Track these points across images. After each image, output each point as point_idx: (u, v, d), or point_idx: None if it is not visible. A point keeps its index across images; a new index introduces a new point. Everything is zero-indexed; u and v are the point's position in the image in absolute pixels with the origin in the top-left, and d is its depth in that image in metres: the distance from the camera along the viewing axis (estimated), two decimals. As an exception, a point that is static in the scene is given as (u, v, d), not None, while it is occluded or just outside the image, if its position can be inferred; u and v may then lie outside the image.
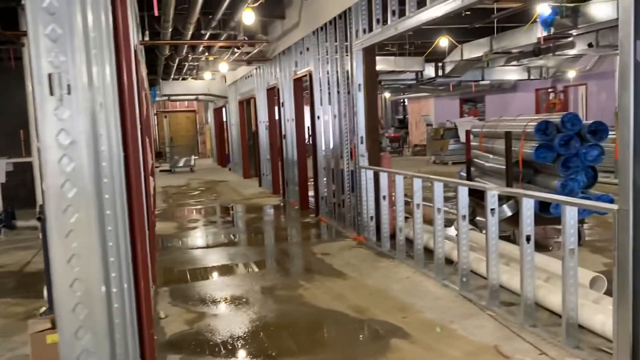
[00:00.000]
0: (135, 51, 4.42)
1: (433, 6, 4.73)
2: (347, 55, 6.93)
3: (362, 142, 6.69)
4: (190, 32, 8.95)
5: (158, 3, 7.20)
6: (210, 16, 8.52)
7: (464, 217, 4.51)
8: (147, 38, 9.42)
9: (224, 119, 19.54)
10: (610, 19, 8.41)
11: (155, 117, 27.11)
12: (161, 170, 19.09)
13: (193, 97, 20.86)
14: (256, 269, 5.78)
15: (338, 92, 7.28)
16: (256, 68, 12.41)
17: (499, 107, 20.76)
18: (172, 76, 16.90)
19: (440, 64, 13.86)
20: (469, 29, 11.40)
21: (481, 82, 17.75)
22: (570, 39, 12.59)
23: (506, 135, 5.67)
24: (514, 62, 14.86)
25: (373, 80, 6.75)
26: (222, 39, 9.86)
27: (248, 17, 6.78)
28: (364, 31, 6.31)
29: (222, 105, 19.40)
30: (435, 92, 20.68)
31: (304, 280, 5.20)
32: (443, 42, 10.97)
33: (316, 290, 4.85)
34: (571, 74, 15.84)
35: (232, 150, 17.83)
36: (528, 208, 3.73)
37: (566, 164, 5.35)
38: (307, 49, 8.42)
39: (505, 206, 5.94)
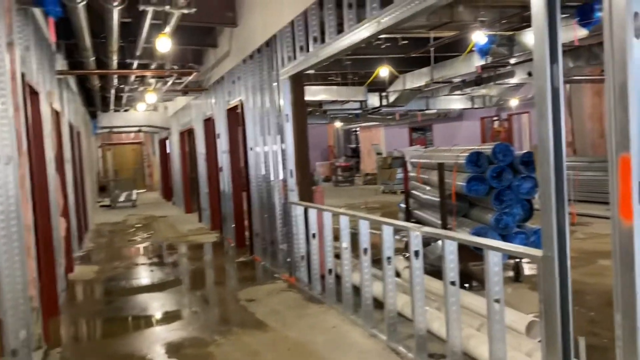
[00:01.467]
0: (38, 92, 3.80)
1: (352, 32, 4.40)
2: (275, 85, 6.55)
3: (291, 176, 6.25)
4: (114, 61, 8.40)
5: (71, 30, 6.67)
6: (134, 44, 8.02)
7: (388, 259, 4.09)
8: (66, 67, 8.79)
9: (168, 151, 18.84)
10: (544, 47, 8.36)
11: (100, 149, 26.09)
12: (101, 206, 18.11)
13: (135, 129, 20.09)
14: (167, 323, 5.17)
15: (269, 123, 6.86)
16: (194, 98, 11.92)
17: (446, 135, 20.90)
18: (111, 107, 16.19)
19: (384, 94, 13.74)
20: (411, 59, 11.31)
21: (427, 111, 17.81)
22: (508, 67, 12.70)
23: (439, 167, 5.36)
24: (457, 92, 14.93)
25: (302, 111, 6.37)
26: (152, 68, 9.35)
27: (163, 44, 6.31)
28: (289, 59, 5.95)
29: (165, 137, 18.72)
30: (385, 121, 20.67)
31: (220, 334, 4.63)
32: (384, 71, 10.79)
33: (230, 347, 4.29)
34: (513, 102, 16.05)
35: (174, 184, 17.12)
36: (451, 251, 3.34)
37: (500, 197, 5.05)
38: (239, 78, 8.01)
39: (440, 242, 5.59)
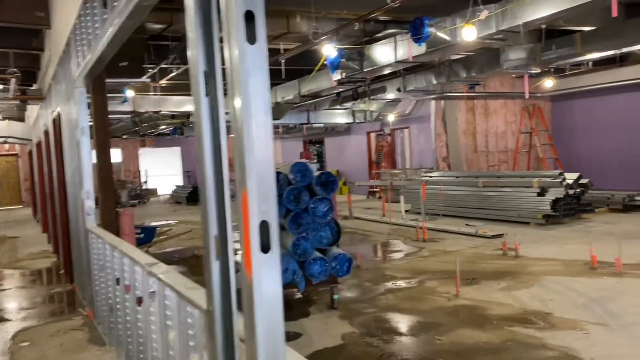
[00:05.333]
0: None
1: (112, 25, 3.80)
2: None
3: (88, 197, 5.51)
4: None
5: None
6: None
7: (139, 299, 3.50)
8: None
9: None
10: (390, 62, 8.26)
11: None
12: (-48, 226, 16.16)
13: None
14: None
15: (73, 137, 6.09)
16: (40, 108, 10.80)
17: (335, 149, 20.85)
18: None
19: (257, 106, 13.25)
20: (284, 71, 10.93)
21: (314, 125, 17.60)
22: (380, 83, 12.68)
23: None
24: (337, 106, 14.79)
25: (103, 122, 5.67)
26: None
27: None
28: (81, 59, 5.23)
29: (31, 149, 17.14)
30: (275, 134, 20.22)
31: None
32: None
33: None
34: (391, 117, 16.19)
35: (37, 200, 15.63)
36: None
37: (297, 221, 4.63)
38: (58, 85, 7.17)
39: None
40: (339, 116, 16.54)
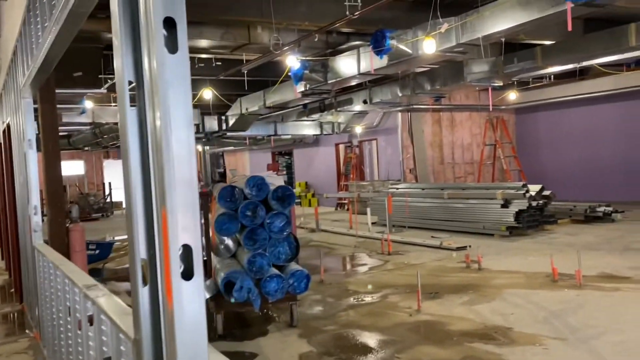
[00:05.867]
0: None
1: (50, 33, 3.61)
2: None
3: (35, 213, 5.25)
4: None
5: None
6: None
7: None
8: None
9: None
10: (354, 74, 8.23)
11: None
12: None
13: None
14: None
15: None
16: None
17: (304, 160, 20.75)
18: None
19: (223, 117, 13.08)
20: (249, 82, 10.81)
21: (282, 137, 17.47)
22: (346, 95, 12.66)
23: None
24: (304, 117, 14.71)
25: (53, 134, 5.43)
26: None
27: None
28: (26, 67, 5.00)
29: None
30: (239, 145, 20.04)
31: None
32: (207, 93, 10.12)
33: None
34: (358, 129, 16.20)
35: None
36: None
37: (253, 237, 4.48)
38: (7, 95, 6.87)
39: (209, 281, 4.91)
40: (307, 128, 16.46)
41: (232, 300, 4.36)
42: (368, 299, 6.18)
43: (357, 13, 5.61)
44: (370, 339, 4.82)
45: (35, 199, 5.30)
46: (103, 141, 13.94)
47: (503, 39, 7.30)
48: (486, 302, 5.67)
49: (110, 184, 22.55)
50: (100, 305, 2.71)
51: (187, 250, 1.60)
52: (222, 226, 4.44)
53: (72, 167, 23.73)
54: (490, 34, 6.10)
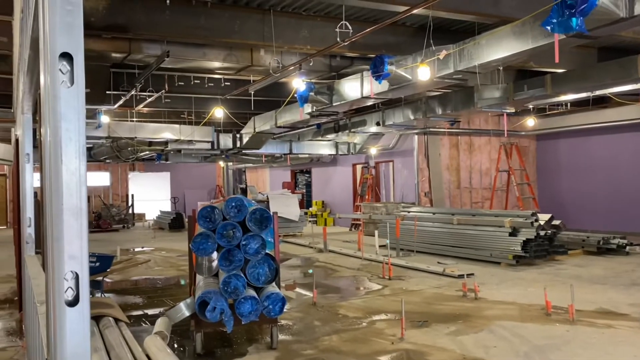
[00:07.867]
0: None
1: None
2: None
3: (29, 225, 5.43)
4: None
5: None
6: None
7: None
8: None
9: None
10: (357, 97, 8.28)
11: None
12: None
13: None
14: None
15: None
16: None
17: (322, 179, 20.81)
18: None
19: (237, 135, 13.28)
20: (261, 102, 11.03)
21: (300, 155, 17.62)
22: (360, 117, 12.72)
23: (190, 218, 4.77)
24: (319, 137, 14.81)
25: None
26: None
27: None
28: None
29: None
30: (258, 162, 20.26)
31: None
32: (219, 112, 10.31)
33: None
34: (373, 150, 16.20)
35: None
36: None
37: (229, 258, 4.53)
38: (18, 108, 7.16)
39: (182, 304, 4.97)
40: (323, 147, 16.56)
41: (206, 320, 4.39)
42: (355, 324, 6.13)
43: (347, 40, 5.67)
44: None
45: (29, 211, 5.48)
46: (122, 154, 14.32)
47: (501, 68, 7.25)
48: (473, 333, 5.56)
49: (132, 195, 23.04)
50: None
51: (73, 277, 1.64)
52: (199, 246, 4.50)
53: (98, 178, 24.39)
54: (486, 62, 6.07)
